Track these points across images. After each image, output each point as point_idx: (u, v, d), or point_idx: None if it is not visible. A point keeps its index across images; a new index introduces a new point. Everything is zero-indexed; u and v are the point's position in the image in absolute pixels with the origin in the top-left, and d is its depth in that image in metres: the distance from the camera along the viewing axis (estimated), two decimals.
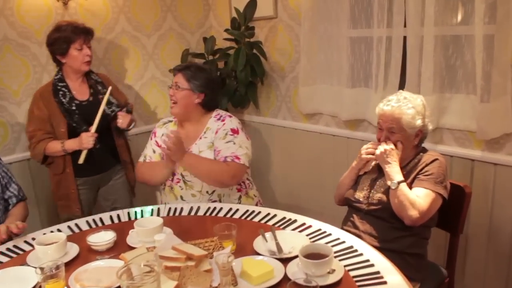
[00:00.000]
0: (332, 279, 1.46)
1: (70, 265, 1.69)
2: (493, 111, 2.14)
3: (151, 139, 2.50)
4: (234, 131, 2.33)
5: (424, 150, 2.01)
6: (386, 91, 2.54)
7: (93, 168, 2.67)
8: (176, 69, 2.40)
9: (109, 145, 2.71)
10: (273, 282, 1.46)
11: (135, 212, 2.16)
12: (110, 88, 2.59)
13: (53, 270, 1.51)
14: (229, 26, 3.35)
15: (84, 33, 2.52)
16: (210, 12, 3.65)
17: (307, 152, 3.21)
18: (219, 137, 2.32)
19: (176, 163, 2.30)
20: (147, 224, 1.85)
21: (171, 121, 2.51)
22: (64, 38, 2.48)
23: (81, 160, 2.50)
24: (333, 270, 1.49)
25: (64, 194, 2.66)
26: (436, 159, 1.91)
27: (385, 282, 1.44)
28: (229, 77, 3.36)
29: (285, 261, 1.59)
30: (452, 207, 2.01)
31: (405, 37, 2.42)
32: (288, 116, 3.31)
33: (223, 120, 2.37)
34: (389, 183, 1.88)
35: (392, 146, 1.93)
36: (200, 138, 2.36)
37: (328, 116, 2.99)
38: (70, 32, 2.49)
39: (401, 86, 2.51)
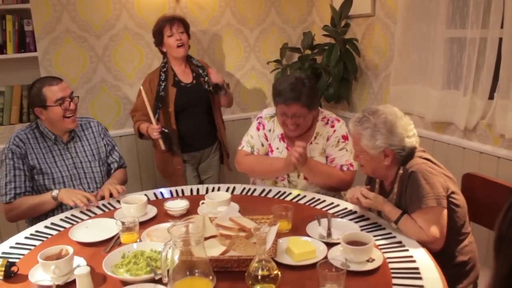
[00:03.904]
0: (368, 267, 1.51)
1: (147, 223, 1.95)
2: None
3: (258, 129, 2.42)
4: (345, 138, 2.31)
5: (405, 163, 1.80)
6: (476, 94, 2.45)
7: (197, 144, 2.95)
8: (287, 102, 2.17)
9: (210, 124, 2.98)
10: (313, 261, 1.56)
11: (213, 187, 2.37)
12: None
13: (130, 225, 1.79)
14: (329, 23, 3.43)
15: (170, 20, 2.79)
16: (313, 8, 3.76)
17: None
18: (331, 144, 2.31)
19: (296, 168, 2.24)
20: (216, 197, 2.05)
21: (274, 116, 2.42)
22: (158, 29, 2.81)
23: (162, 147, 2.77)
24: (372, 259, 1.55)
25: (171, 171, 2.97)
26: (411, 172, 1.72)
27: (420, 278, 1.46)
28: (325, 72, 3.44)
29: (331, 245, 1.67)
30: None
31: (500, 39, 2.31)
32: None
33: (332, 126, 2.33)
34: (392, 225, 1.80)
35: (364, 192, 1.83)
36: (311, 144, 2.32)
37: (417, 117, 2.93)
38: (160, 22, 2.81)
39: (492, 90, 2.40)
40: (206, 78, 2.89)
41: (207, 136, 3.01)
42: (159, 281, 1.48)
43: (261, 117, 2.46)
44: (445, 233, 1.69)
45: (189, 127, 2.83)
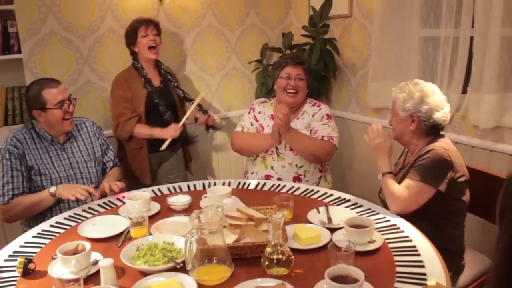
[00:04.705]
0: (371, 247, 1.65)
1: (152, 218, 2.02)
2: None
3: (249, 113, 2.81)
4: (329, 117, 2.66)
5: (433, 141, 1.98)
6: (450, 89, 2.65)
7: (159, 146, 2.95)
8: (295, 62, 2.65)
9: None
10: (319, 245, 1.69)
11: (209, 183, 2.47)
12: (201, 94, 3.00)
13: (139, 219, 1.86)
14: (307, 23, 3.57)
15: (145, 22, 2.91)
16: (291, 9, 3.89)
17: None
18: (316, 119, 2.64)
19: (281, 137, 2.56)
20: (218, 191, 2.15)
21: (267, 102, 2.83)
22: (132, 29, 2.91)
23: (163, 147, 2.87)
24: (373, 241, 1.69)
25: (138, 165, 3.04)
26: (430, 150, 1.91)
27: (419, 255, 1.62)
28: None
29: (333, 230, 1.80)
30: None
31: (471, 38, 2.51)
32: (357, 110, 3.48)
33: (318, 106, 2.71)
34: (379, 176, 2.02)
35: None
36: (298, 119, 2.68)
37: None
38: (135, 23, 2.92)
39: (466, 85, 2.60)
40: (174, 84, 3.05)
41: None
42: (178, 270, 1.57)
43: (253, 104, 2.86)
44: (413, 207, 1.88)
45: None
